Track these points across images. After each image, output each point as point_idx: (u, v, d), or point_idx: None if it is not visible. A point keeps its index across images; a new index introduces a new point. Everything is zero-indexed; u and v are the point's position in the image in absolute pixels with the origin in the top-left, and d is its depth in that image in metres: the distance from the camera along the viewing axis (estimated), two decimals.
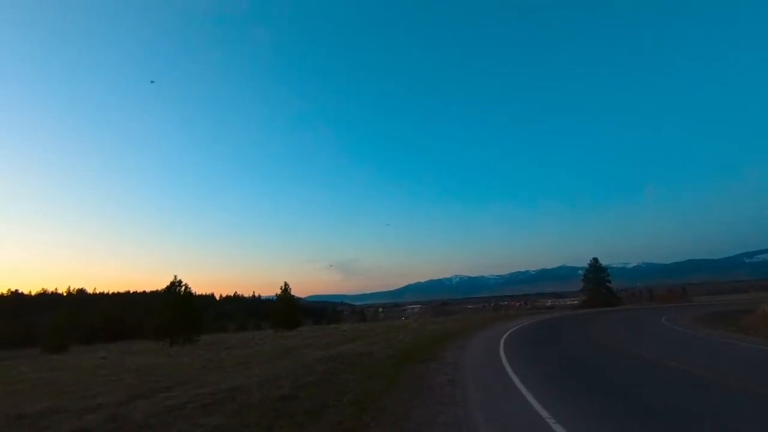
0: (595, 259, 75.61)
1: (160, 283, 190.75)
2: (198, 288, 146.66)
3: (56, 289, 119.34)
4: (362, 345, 16.66)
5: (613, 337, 15.65)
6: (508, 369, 8.69)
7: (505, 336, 17.42)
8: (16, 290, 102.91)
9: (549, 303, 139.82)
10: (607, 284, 74.41)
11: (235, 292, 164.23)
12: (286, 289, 36.32)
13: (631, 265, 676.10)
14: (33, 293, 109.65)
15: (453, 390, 6.77)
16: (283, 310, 35.01)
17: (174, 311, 26.40)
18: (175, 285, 27.75)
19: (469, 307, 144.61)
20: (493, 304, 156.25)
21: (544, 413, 5.11)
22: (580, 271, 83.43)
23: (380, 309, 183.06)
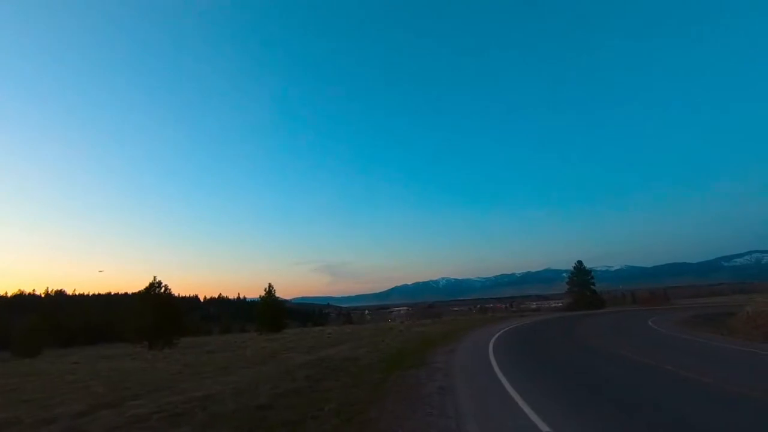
0: (580, 262, 76.11)
1: (143, 284, 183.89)
2: (182, 290, 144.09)
3: (33, 290, 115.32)
4: (347, 349, 16.15)
5: (602, 340, 15.45)
6: (500, 376, 8.26)
7: (494, 339, 16.97)
8: None
9: (534, 305, 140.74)
10: (592, 287, 75.10)
11: (220, 294, 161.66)
12: (270, 291, 35.43)
13: (614, 268, 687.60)
14: (9, 294, 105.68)
15: (444, 399, 6.35)
16: (268, 313, 34.13)
17: (153, 314, 25.43)
18: (154, 286, 26.77)
19: (456, 309, 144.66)
20: (479, 306, 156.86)
21: (544, 427, 4.70)
22: (564, 274, 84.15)
23: (366, 311, 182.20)
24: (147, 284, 27.12)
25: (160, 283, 27.02)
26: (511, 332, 21.23)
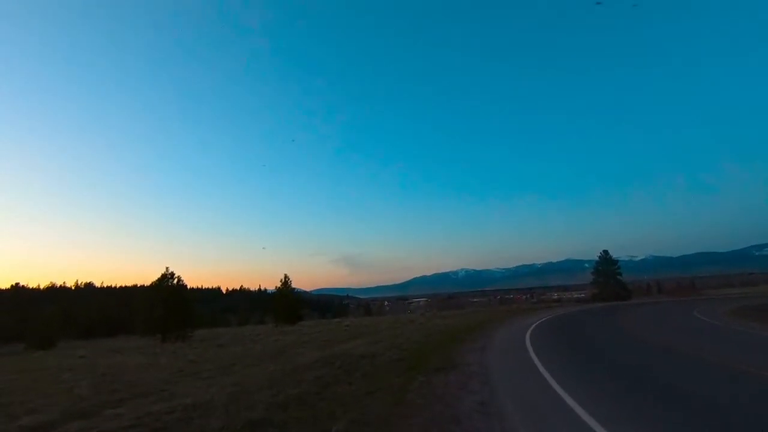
0: (606, 251, 73.17)
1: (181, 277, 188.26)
2: (206, 282, 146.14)
3: (64, 283, 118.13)
4: (364, 344, 14.79)
5: (661, 336, 13.39)
6: (558, 389, 6.11)
7: (530, 335, 14.74)
8: (17, 283, 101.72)
9: (555, 296, 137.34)
10: (618, 277, 72.11)
11: (241, 286, 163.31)
12: (286, 282, 34.40)
13: (638, 258, 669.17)
14: (42, 287, 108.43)
15: (491, 425, 4.56)
16: (283, 305, 33.15)
17: (165, 306, 24.68)
18: (166, 278, 26.01)
19: (475, 300, 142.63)
20: (499, 297, 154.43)
21: None
22: (586, 264, 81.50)
23: (386, 302, 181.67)
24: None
25: (172, 274, 26.27)
26: (545, 327, 18.68)
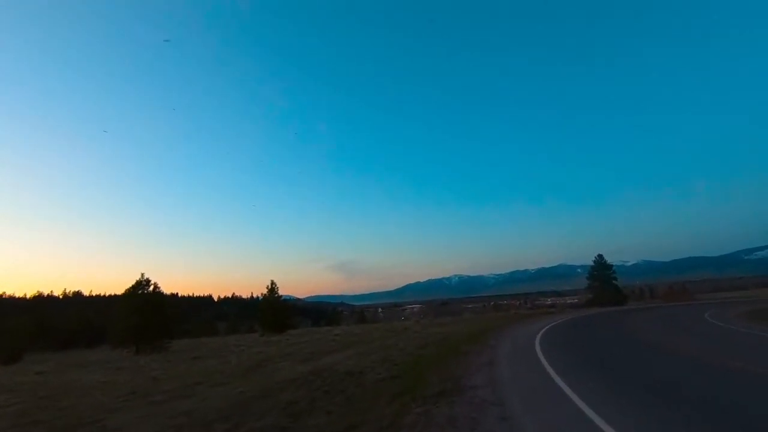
0: (600, 256, 72.67)
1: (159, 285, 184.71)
2: (197, 290, 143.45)
3: (51, 292, 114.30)
4: (353, 356, 13.18)
5: (687, 345, 11.82)
6: (598, 421, 4.62)
7: (539, 346, 12.77)
8: (2, 293, 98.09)
9: (549, 302, 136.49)
10: (613, 281, 71.34)
11: (233, 293, 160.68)
12: (272, 289, 32.47)
13: (630, 263, 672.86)
14: (29, 296, 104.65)
15: None
16: (270, 312, 31.26)
17: (141, 315, 22.83)
18: (141, 284, 24.17)
19: (470, 306, 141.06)
20: (493, 303, 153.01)
21: None
22: (578, 270, 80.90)
23: (380, 309, 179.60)
24: (164, 284, 24.75)
25: (148, 281, 24.43)
26: (553, 336, 16.37)
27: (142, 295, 23.84)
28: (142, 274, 24.21)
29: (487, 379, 7.53)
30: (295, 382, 8.99)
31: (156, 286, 24.66)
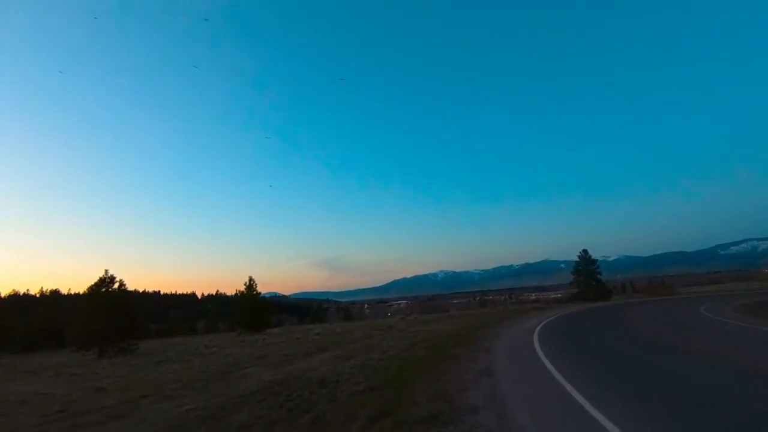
0: (585, 251, 72.60)
1: (139, 283, 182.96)
2: (180, 287, 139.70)
3: (28, 290, 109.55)
4: (331, 360, 11.84)
5: (699, 344, 10.72)
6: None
7: (539, 347, 11.30)
8: None
9: (533, 297, 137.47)
10: (598, 276, 71.59)
11: (217, 291, 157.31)
12: (250, 285, 30.83)
13: (611, 258, 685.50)
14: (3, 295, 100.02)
15: None
16: (247, 310, 29.64)
17: (103, 315, 21.05)
18: (105, 282, 22.35)
19: (456, 302, 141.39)
20: (478, 298, 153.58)
21: None
22: (562, 265, 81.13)
23: (366, 306, 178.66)
24: (148, 282, 22.95)
25: (113, 278, 22.61)
26: (550, 335, 14.73)
27: (106, 293, 22.02)
28: (106, 271, 22.39)
29: (487, 397, 5.94)
30: (256, 396, 7.62)
31: (122, 284, 22.87)
